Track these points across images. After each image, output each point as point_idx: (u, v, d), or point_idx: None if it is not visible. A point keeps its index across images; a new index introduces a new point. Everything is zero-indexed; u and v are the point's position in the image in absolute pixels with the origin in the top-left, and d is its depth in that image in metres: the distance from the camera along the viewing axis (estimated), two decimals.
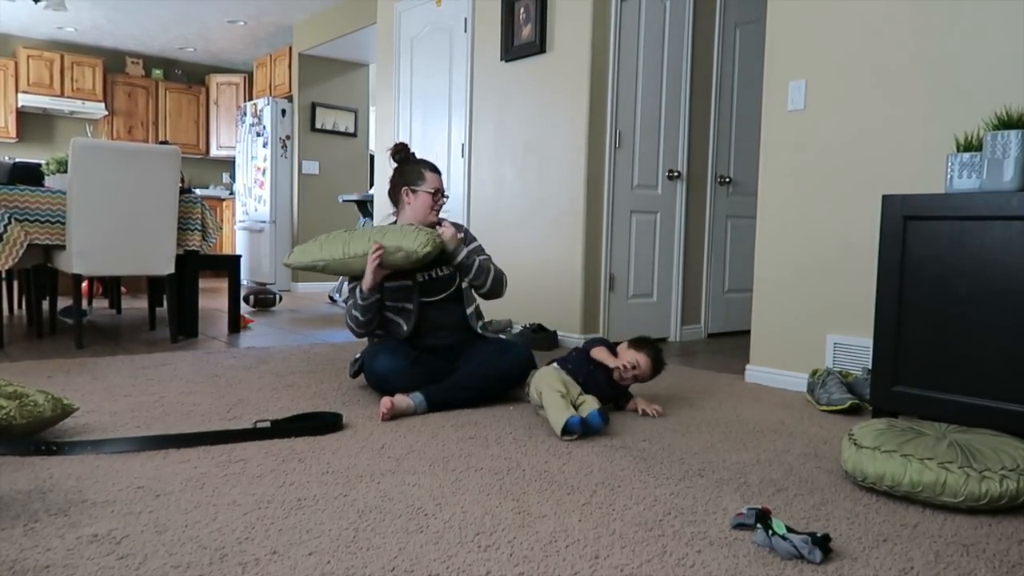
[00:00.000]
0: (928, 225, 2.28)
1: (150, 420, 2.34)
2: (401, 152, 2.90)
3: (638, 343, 2.64)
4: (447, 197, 2.93)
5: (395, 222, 2.88)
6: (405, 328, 2.72)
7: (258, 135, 7.87)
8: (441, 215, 2.92)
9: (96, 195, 3.62)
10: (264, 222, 7.79)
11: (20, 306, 5.37)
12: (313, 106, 7.72)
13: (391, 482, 1.80)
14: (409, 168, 2.84)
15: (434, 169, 2.85)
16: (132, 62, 8.88)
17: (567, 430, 2.21)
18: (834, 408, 2.67)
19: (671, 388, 3.06)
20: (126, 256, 3.76)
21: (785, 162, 3.18)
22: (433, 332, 2.76)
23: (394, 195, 2.86)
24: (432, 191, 2.79)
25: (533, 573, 1.33)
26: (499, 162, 4.64)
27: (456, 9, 4.93)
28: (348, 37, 7.04)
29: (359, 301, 2.67)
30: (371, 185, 7.72)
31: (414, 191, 2.80)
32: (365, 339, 2.86)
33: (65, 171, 4.01)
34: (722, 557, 1.42)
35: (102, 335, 4.25)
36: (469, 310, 2.83)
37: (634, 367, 2.55)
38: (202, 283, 4.47)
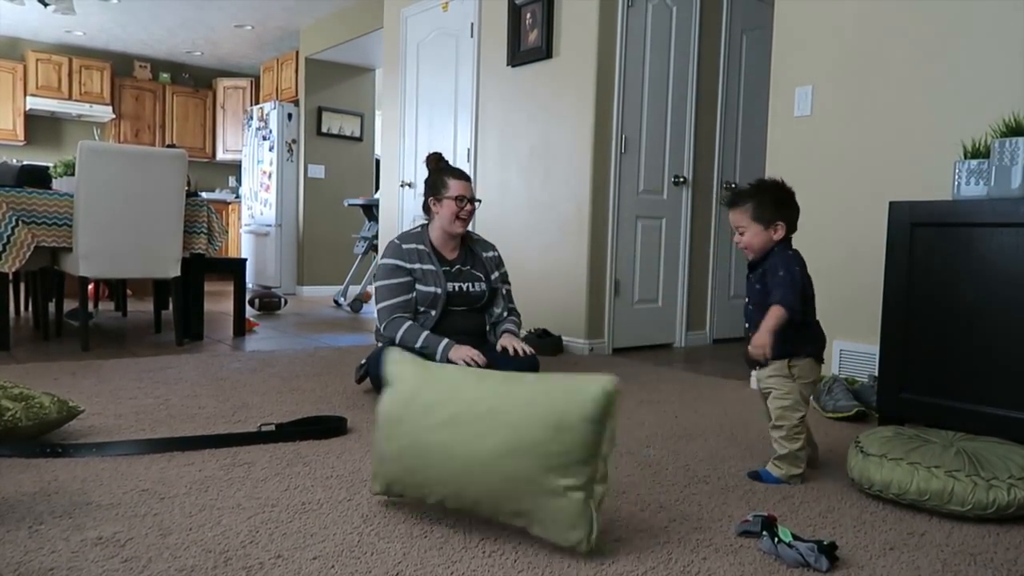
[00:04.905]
0: (935, 232, 2.27)
1: (155, 423, 2.34)
2: (431, 162, 2.95)
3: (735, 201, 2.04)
4: (479, 201, 2.94)
5: (426, 226, 2.90)
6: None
7: (264, 139, 7.89)
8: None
9: (103, 198, 3.63)
10: (270, 226, 7.81)
11: (27, 308, 5.38)
12: (319, 110, 7.74)
13: None
14: (435, 177, 2.87)
15: (459, 176, 2.86)
16: (140, 66, 8.92)
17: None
18: (840, 415, 2.66)
19: (676, 394, 3.05)
20: (132, 259, 3.77)
21: (791, 168, 3.17)
22: (451, 336, 2.75)
23: (425, 206, 2.90)
24: (455, 197, 2.80)
25: None
26: (505, 167, 4.65)
27: (463, 14, 4.94)
28: (355, 42, 7.06)
29: (414, 346, 2.64)
30: (376, 189, 7.72)
31: (439, 200, 2.83)
32: (372, 342, 2.87)
33: (72, 174, 4.03)
34: (728, 564, 1.41)
35: (108, 338, 4.26)
36: (492, 319, 2.90)
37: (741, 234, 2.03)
38: (207, 286, 4.47)
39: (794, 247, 2.03)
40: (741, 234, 2.01)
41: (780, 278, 1.91)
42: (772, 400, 1.95)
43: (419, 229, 2.90)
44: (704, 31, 4.54)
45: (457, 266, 2.85)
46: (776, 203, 2.00)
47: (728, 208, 2.07)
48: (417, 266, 2.77)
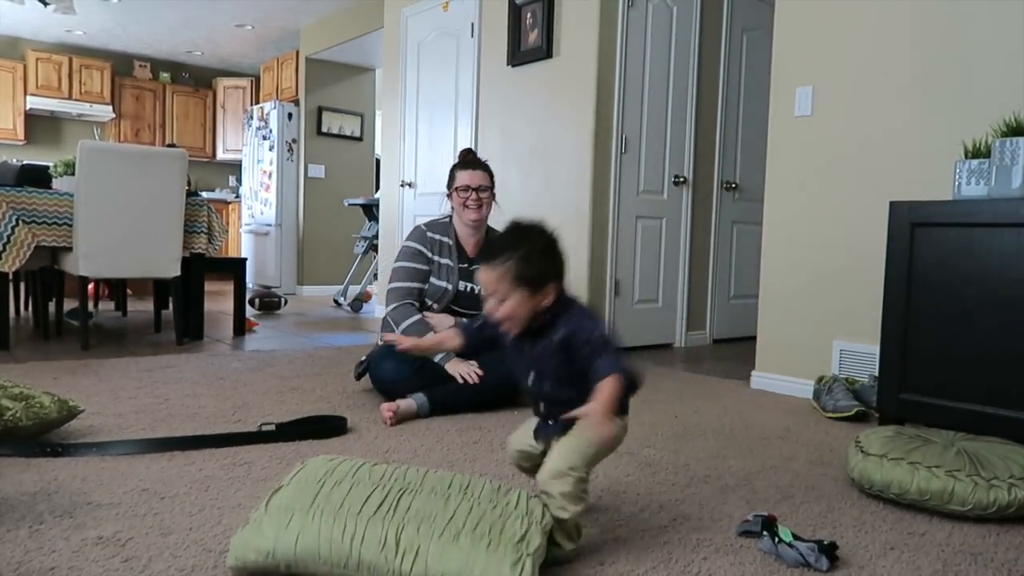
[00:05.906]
0: (936, 232, 2.27)
1: (155, 422, 2.34)
2: (458, 158, 2.94)
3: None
4: (488, 189, 2.81)
5: (450, 219, 2.90)
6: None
7: (264, 139, 7.89)
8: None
9: (103, 198, 3.63)
10: (270, 225, 7.81)
11: (27, 308, 5.38)
12: (319, 110, 7.74)
13: None
14: (450, 173, 2.88)
15: (465, 166, 2.84)
16: (140, 65, 8.92)
17: None
18: (840, 415, 2.66)
19: (676, 394, 3.05)
20: (132, 258, 3.77)
21: (792, 168, 3.17)
22: None
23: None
24: (457, 188, 2.80)
25: None
26: (505, 167, 4.64)
27: (463, 14, 4.94)
28: (355, 41, 7.06)
29: (398, 323, 2.69)
30: (377, 189, 7.72)
31: (449, 195, 2.85)
32: (372, 341, 2.87)
33: (72, 173, 4.03)
34: (728, 564, 1.41)
35: (108, 337, 4.26)
36: None
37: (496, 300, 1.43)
38: (207, 286, 4.47)
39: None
40: (501, 301, 1.41)
41: (597, 340, 1.41)
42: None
43: (446, 220, 2.92)
44: (704, 31, 4.54)
45: (476, 265, 2.84)
46: (544, 258, 1.43)
47: (480, 266, 1.46)
48: (436, 257, 2.81)
